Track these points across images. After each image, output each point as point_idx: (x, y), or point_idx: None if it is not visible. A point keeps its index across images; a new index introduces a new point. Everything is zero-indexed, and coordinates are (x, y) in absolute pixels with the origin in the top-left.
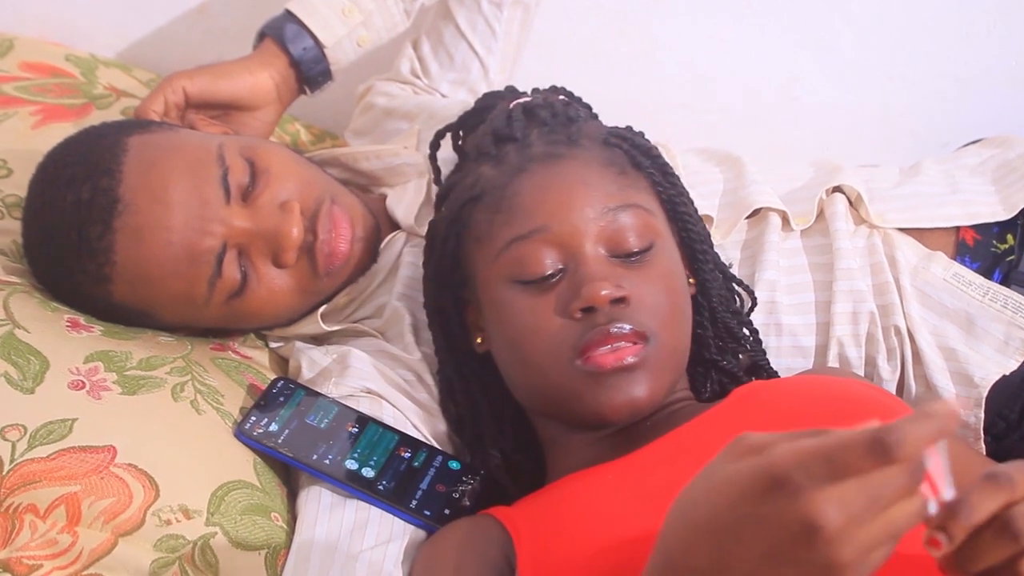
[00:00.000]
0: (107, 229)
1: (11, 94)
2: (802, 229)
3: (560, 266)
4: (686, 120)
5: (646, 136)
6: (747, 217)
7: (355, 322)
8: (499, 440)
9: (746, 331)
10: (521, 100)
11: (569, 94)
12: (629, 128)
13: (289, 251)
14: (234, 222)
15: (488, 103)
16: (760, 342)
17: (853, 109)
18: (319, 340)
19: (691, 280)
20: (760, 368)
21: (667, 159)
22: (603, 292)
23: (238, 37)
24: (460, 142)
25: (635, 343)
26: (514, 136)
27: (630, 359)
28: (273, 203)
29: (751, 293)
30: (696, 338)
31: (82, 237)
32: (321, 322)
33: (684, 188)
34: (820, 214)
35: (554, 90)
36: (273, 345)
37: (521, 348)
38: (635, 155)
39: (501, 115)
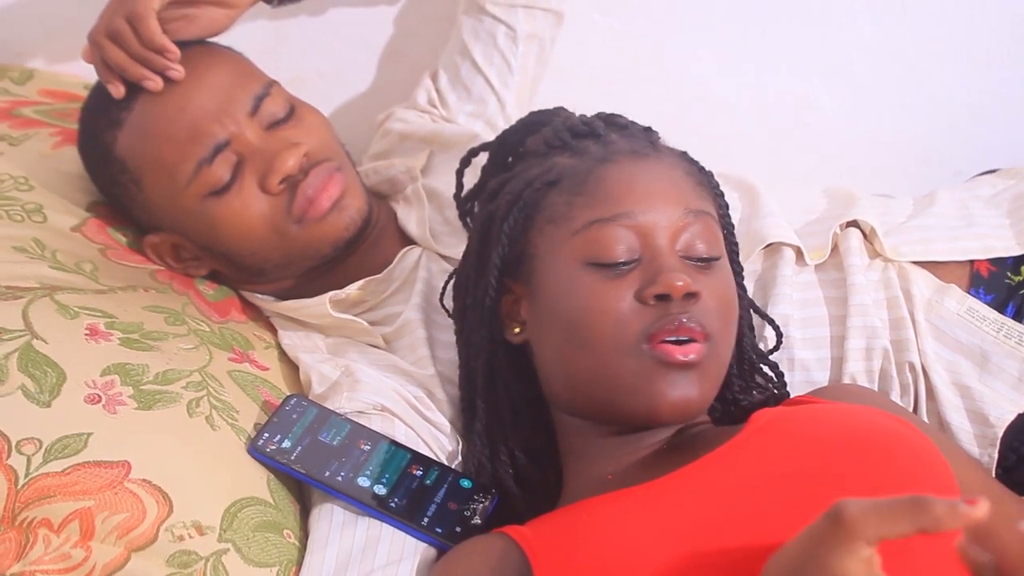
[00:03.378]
0: None
1: (31, 116)
2: (816, 264)
3: (636, 256)
4: (699, 145)
5: None
6: (761, 249)
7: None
8: (513, 443)
9: (767, 370)
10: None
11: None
12: None
13: (277, 174)
14: (246, 132)
15: (538, 119)
16: (785, 383)
17: (866, 136)
18: (324, 331)
19: None
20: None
21: None
22: (680, 282)
23: None
24: (498, 157)
25: (700, 340)
26: (596, 132)
27: (694, 356)
28: (288, 139)
29: (778, 331)
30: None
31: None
32: (329, 307)
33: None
34: (834, 248)
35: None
36: (287, 343)
37: (585, 328)
38: (705, 176)
39: (572, 118)
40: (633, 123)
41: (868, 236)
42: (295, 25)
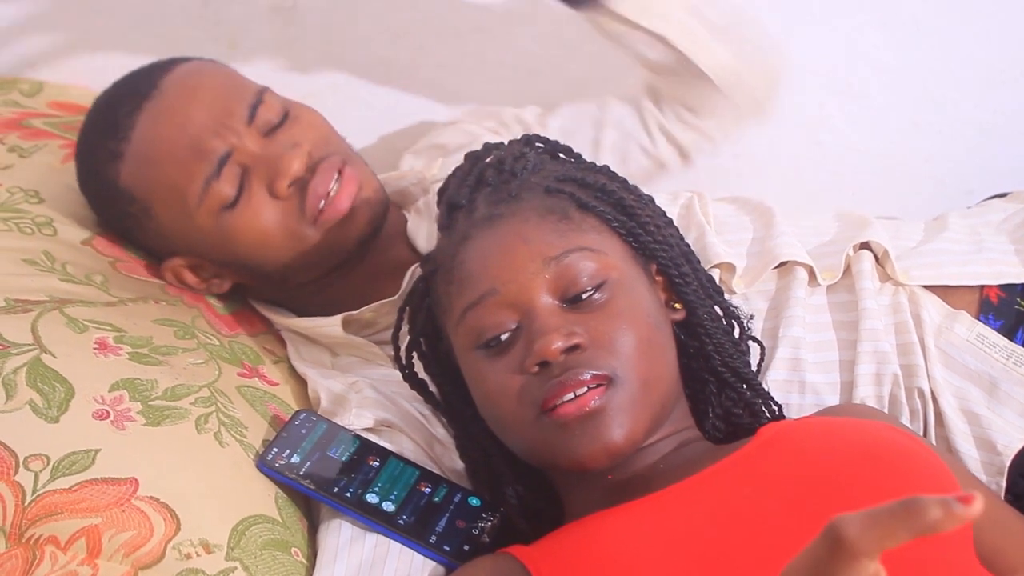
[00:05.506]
0: (136, 108)
1: (41, 128)
2: (828, 285)
3: (515, 324)
4: (711, 164)
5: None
6: (774, 268)
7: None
8: (515, 484)
9: (744, 350)
10: (485, 159)
11: (545, 141)
12: (590, 166)
13: (284, 178)
14: (246, 142)
15: (464, 165)
16: (770, 396)
17: (878, 155)
18: (334, 350)
19: (677, 305)
20: (756, 405)
21: (699, 207)
22: (554, 346)
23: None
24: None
25: (597, 386)
26: (460, 203)
27: (594, 402)
28: (288, 141)
29: (739, 320)
30: (690, 370)
31: (114, 113)
32: (340, 327)
33: (653, 217)
34: (847, 270)
35: (527, 140)
36: (295, 358)
37: (494, 409)
38: (581, 197)
39: (455, 181)
40: (503, 170)
41: (880, 259)
42: (308, 43)
